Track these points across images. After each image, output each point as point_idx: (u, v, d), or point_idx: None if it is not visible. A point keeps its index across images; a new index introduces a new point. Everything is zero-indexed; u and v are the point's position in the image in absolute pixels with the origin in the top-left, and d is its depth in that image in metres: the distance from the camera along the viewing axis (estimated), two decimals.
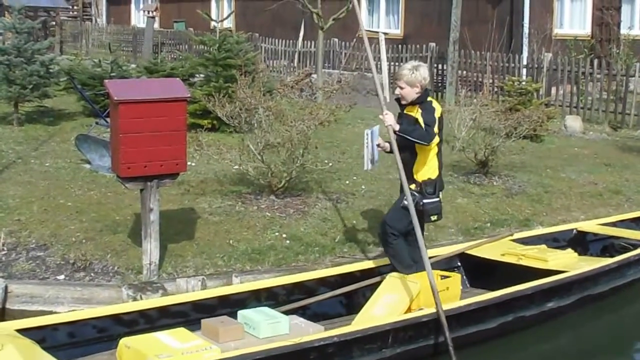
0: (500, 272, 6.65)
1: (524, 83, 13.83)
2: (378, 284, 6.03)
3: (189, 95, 6.37)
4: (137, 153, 5.95)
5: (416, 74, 5.94)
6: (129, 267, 6.54)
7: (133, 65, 15.20)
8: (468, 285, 6.83)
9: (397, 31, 20.05)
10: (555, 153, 11.78)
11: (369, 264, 6.59)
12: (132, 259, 6.61)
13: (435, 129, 5.90)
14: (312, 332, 5.20)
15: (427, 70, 6.06)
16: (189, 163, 7.26)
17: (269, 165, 8.12)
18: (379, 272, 6.35)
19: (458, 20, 15.35)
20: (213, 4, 25.33)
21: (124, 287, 6.14)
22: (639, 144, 12.92)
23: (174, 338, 4.83)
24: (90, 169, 9.14)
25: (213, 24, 12.98)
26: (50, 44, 13.54)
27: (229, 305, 5.74)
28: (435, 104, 6.03)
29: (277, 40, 20.83)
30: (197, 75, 12.40)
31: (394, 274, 5.99)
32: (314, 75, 14.99)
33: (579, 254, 7.11)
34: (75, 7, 32.90)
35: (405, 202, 5.81)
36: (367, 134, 6.02)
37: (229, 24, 21.83)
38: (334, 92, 9.50)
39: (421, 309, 5.59)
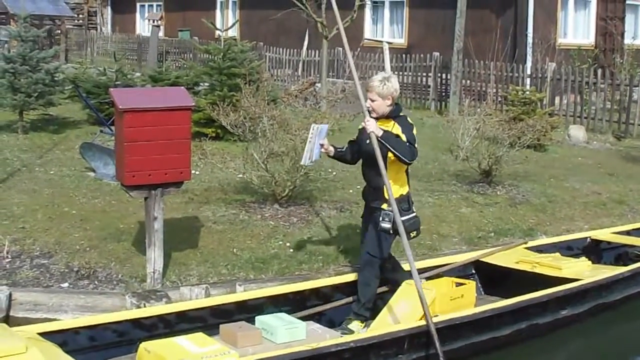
0: (515, 279, 6.67)
1: (527, 93, 13.84)
2: (394, 290, 6.02)
3: (193, 104, 6.38)
4: (142, 161, 5.95)
5: (388, 85, 5.72)
6: (132, 275, 6.54)
7: (138, 74, 15.22)
8: (482, 292, 6.83)
9: (401, 40, 20.11)
10: (558, 163, 11.78)
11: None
12: (136, 267, 6.62)
13: (417, 147, 5.76)
14: (328, 338, 5.26)
15: (398, 83, 5.87)
16: (193, 172, 7.27)
17: (273, 174, 8.13)
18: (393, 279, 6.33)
19: (462, 29, 15.39)
20: (218, 13, 25.41)
21: (127, 295, 6.14)
22: None
23: (193, 343, 4.86)
24: (94, 177, 9.16)
25: (218, 32, 13.03)
26: (55, 52, 13.57)
27: (247, 311, 5.78)
28: (410, 119, 5.88)
29: (281, 49, 20.89)
30: (202, 84, 12.40)
31: (410, 280, 5.97)
32: (318, 84, 15.00)
33: (593, 262, 7.10)
34: (80, 16, 33.11)
35: (383, 225, 5.75)
36: (312, 128, 5.85)
37: (233, 32, 21.90)
38: (338, 101, 9.51)
39: (436, 316, 5.58)
